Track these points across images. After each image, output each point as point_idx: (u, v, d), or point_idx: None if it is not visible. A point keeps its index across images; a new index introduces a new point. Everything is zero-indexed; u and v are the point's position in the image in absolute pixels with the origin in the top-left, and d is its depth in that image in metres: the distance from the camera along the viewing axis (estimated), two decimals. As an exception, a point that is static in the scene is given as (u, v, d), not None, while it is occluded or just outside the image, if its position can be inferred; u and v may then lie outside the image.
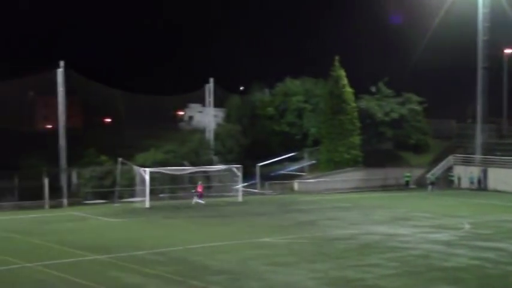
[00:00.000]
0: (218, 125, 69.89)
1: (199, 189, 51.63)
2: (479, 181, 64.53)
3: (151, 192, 50.18)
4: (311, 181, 62.04)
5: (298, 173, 64.57)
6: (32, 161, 51.82)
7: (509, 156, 64.07)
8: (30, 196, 48.12)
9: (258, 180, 60.69)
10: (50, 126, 79.40)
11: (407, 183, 65.82)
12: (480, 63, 66.56)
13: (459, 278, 24.57)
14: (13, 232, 35.44)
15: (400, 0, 77.01)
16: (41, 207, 47.42)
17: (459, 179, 66.43)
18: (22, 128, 70.27)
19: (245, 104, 71.76)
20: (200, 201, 50.79)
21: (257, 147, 67.31)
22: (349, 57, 68.22)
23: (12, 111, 65.26)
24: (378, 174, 65.66)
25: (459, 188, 65.90)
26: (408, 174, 66.24)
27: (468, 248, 30.69)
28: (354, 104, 65.78)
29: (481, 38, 66.18)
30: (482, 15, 66.00)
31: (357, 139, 65.31)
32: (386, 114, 67.67)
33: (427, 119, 72.30)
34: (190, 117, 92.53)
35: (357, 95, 68.20)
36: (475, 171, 65.21)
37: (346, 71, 65.27)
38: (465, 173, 66.03)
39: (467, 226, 38.59)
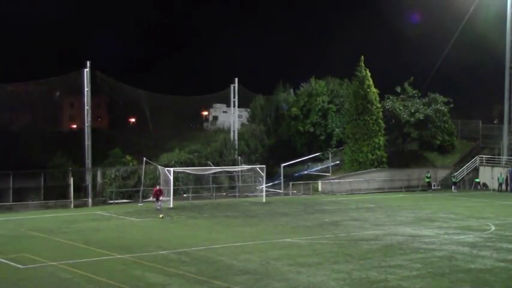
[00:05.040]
0: (242, 125, 70.09)
1: (157, 193, 46.34)
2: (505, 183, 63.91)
3: (175, 192, 50.40)
4: (335, 181, 61.90)
5: (322, 174, 64.48)
6: (58, 161, 52.35)
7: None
8: (55, 195, 48.64)
9: (281, 180, 60.67)
10: (75, 126, 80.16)
11: (429, 184, 65.36)
12: (508, 63, 65.96)
13: (484, 280, 24.31)
14: (38, 231, 35.77)
15: (427, 0, 76.68)
16: (66, 206, 47.87)
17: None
18: (48, 128, 70.96)
19: (269, 104, 71.84)
20: (157, 205, 46.04)
21: (281, 147, 67.44)
22: (374, 57, 67.98)
23: (39, 111, 66.07)
24: (403, 175, 65.39)
25: (484, 189, 65.40)
26: (428, 174, 65.77)
27: (494, 250, 30.35)
28: (378, 105, 65.59)
29: (509, 37, 65.58)
30: (511, 14, 65.33)
31: (381, 140, 65.07)
32: (412, 114, 67.30)
33: (453, 119, 71.85)
34: (215, 118, 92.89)
35: (382, 96, 68.00)
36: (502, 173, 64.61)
37: (371, 71, 65.07)
38: (492, 175, 65.42)
39: (492, 228, 38.20)
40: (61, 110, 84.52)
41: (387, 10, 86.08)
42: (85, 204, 48.85)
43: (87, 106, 51.05)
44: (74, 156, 52.87)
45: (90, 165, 50.62)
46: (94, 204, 49.25)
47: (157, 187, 47.55)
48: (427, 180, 65.46)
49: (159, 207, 45.57)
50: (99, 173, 52.35)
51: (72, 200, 48.39)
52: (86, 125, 50.95)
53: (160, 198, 46.40)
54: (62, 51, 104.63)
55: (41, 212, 45.00)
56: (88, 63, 50.65)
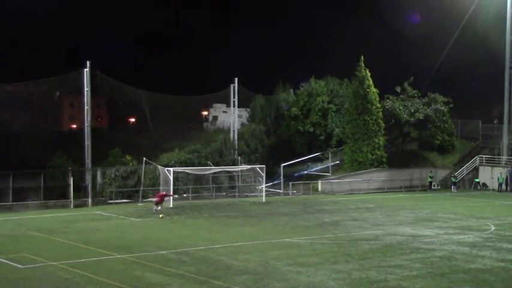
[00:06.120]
0: (242, 125, 70.09)
1: (159, 198, 44.62)
2: (505, 182, 63.92)
3: (175, 192, 50.34)
4: (335, 181, 61.89)
5: (322, 174, 64.47)
6: (58, 161, 52.32)
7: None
8: (55, 195, 48.62)
9: (281, 180, 60.67)
10: (75, 126, 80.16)
11: (430, 184, 65.42)
12: (508, 63, 66.00)
13: (484, 280, 24.31)
14: (38, 231, 35.78)
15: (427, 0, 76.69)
16: (66, 206, 47.86)
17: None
18: (48, 128, 70.94)
19: (269, 104, 71.83)
20: (156, 208, 44.05)
21: (281, 147, 67.44)
22: (374, 57, 67.94)
23: (39, 110, 66.10)
24: (402, 175, 65.37)
25: (484, 189, 65.41)
26: (431, 174, 65.89)
27: (493, 250, 30.36)
28: (378, 105, 65.61)
29: (508, 37, 65.62)
30: (511, 14, 65.37)
31: (381, 139, 65.09)
32: (411, 114, 67.30)
33: (453, 119, 71.86)
34: (215, 118, 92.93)
35: (382, 96, 68.01)
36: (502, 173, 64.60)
37: (371, 71, 65.07)
38: (491, 175, 65.46)
39: (492, 228, 38.21)
40: (61, 110, 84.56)
41: (387, 10, 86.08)
42: (85, 204, 48.84)
43: (87, 106, 51.07)
44: (74, 156, 52.83)
45: (90, 165, 50.63)
46: (94, 204, 49.24)
47: (164, 192, 46.77)
48: (429, 180, 65.50)
49: (156, 211, 43.94)
50: (99, 173, 52.36)
51: (72, 200, 48.37)
52: (86, 124, 50.97)
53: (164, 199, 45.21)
54: (62, 51, 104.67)
55: (41, 212, 45.00)
56: (88, 63, 50.66)
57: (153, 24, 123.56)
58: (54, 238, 33.36)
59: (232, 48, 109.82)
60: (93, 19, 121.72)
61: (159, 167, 52.00)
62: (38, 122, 68.08)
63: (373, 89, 65.04)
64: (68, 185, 48.81)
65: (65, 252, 29.22)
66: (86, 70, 50.67)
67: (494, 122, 74.75)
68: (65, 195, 48.68)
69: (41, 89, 59.68)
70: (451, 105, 69.80)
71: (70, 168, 50.39)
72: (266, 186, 54.92)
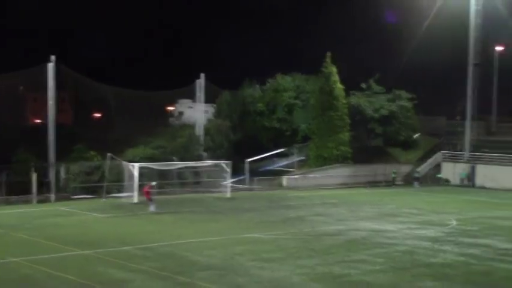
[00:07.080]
0: (208, 120, 69.92)
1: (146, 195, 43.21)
2: (468, 178, 64.93)
3: (140, 187, 50.05)
4: (300, 177, 62.15)
5: (287, 169, 64.68)
6: (21, 156, 51.65)
7: (497, 153, 64.49)
8: (17, 191, 47.93)
9: (247, 176, 60.69)
10: (39, 121, 79.14)
11: (393, 179, 66.07)
12: (471, 60, 66.88)
13: (445, 274, 24.69)
14: (0, 227, 35.32)
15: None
16: (29, 202, 47.23)
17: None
18: (11, 123, 69.88)
19: (235, 99, 71.75)
20: (151, 208, 42.46)
21: (247, 143, 67.42)
22: (340, 54, 68.30)
23: (2, 105, 65.06)
24: (367, 171, 65.87)
25: (446, 184, 66.26)
26: (394, 170, 66.53)
27: (454, 245, 30.84)
28: (344, 101, 65.94)
29: (472, 34, 66.54)
30: (474, 12, 66.43)
31: (346, 135, 65.47)
32: (376, 110, 67.86)
33: (417, 116, 72.61)
34: (180, 113, 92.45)
35: (348, 92, 68.38)
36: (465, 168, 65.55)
37: (338, 68, 65.32)
38: (454, 170, 66.38)
39: (454, 222, 38.77)
40: (24, 105, 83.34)
41: (355, 7, 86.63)
42: (48, 200, 48.29)
43: (50, 101, 50.51)
44: (38, 152, 52.21)
45: (53, 161, 50.10)
46: (57, 199, 48.69)
47: (147, 187, 44.36)
48: (393, 176, 66.16)
49: (153, 209, 42.26)
50: (62, 169, 51.82)
51: (35, 195, 47.80)
52: (50, 120, 50.43)
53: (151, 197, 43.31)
54: (26, 44, 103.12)
55: (3, 208, 44.30)
56: (53, 57, 50.05)
57: (119, 20, 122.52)
58: (16, 234, 32.99)
59: (200, 44, 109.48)
60: (64, 14, 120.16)
61: (124, 162, 51.59)
62: (1, 116, 67.05)
63: (339, 85, 65.32)
64: (31, 181, 48.19)
65: (27, 248, 28.95)
66: (51, 64, 50.08)
67: (457, 118, 75.76)
68: (27, 191, 48.07)
69: (3, 83, 58.78)
70: (415, 102, 70.53)
71: (33, 163, 49.75)
72: (231, 182, 54.85)
